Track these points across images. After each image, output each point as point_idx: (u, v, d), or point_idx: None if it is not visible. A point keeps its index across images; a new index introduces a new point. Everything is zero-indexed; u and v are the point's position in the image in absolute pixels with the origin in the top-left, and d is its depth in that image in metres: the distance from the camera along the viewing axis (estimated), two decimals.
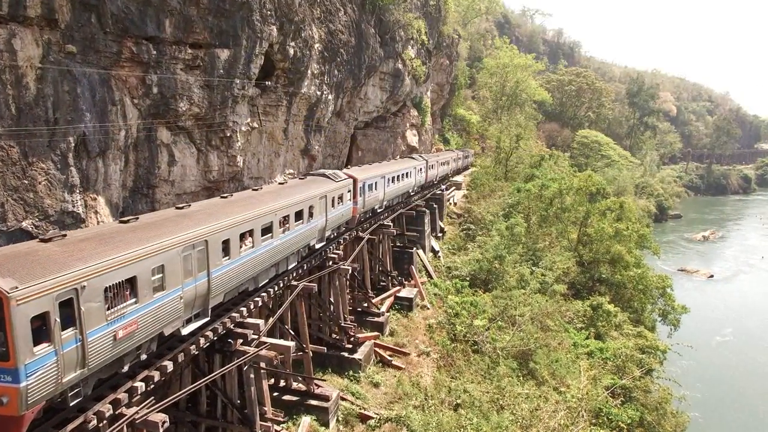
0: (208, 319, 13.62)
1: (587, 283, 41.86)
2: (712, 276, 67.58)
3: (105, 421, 10.37)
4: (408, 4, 38.83)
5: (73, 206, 12.92)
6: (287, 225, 17.66)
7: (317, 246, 21.81)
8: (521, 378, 24.31)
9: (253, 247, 15.29)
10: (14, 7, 11.12)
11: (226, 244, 13.79)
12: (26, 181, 11.68)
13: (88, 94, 13.27)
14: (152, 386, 11.89)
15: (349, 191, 24.61)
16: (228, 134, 18.95)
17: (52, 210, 12.34)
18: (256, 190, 18.28)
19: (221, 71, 17.41)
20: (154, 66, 15.10)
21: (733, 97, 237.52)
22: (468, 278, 36.60)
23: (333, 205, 22.27)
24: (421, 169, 38.75)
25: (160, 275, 11.19)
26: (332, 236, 24.10)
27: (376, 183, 28.28)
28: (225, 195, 16.50)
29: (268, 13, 19.12)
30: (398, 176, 32.80)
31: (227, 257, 13.89)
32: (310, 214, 19.69)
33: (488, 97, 79.76)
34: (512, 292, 32.26)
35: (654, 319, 42.50)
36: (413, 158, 39.48)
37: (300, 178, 22.74)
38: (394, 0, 34.45)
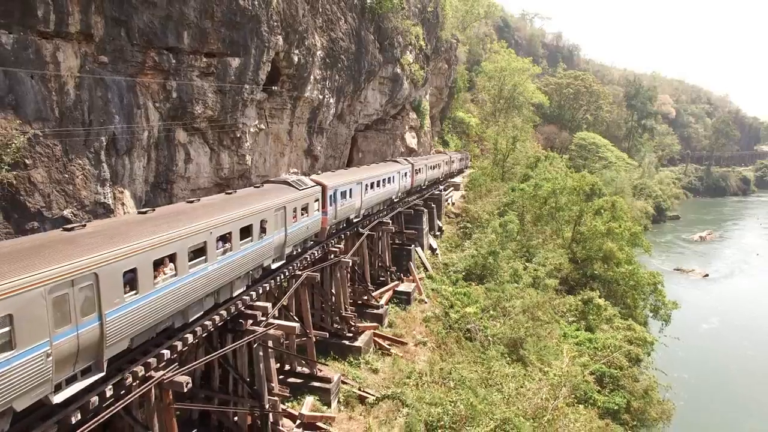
0: (103, 374, 10.62)
1: (580, 280, 43.38)
2: (707, 275, 68.78)
3: (137, 381, 12.03)
4: (406, 12, 40.59)
5: (105, 198, 14.65)
6: (228, 244, 14.69)
7: (274, 266, 18.75)
8: (510, 362, 25.89)
9: (176, 275, 12.37)
10: (59, 24, 12.89)
11: (131, 274, 10.94)
12: (67, 175, 13.40)
13: (117, 99, 15.02)
14: (175, 355, 13.52)
15: (317, 200, 21.72)
16: (238, 135, 20.68)
17: (88, 201, 14.06)
18: (192, 202, 15.11)
19: (232, 77, 19.15)
20: (173, 73, 16.84)
21: (733, 99, 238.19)
22: (463, 273, 38.22)
23: (295, 217, 19.42)
24: (406, 174, 36.57)
25: (7, 329, 8.31)
26: (296, 253, 21.22)
27: (350, 190, 25.47)
28: (144, 210, 13.40)
29: (275, 24, 20.88)
30: (378, 182, 30.24)
31: (134, 292, 11.03)
32: (263, 230, 16.67)
33: (487, 99, 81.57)
34: (505, 285, 33.85)
35: (646, 315, 43.96)
36: (397, 162, 37.23)
37: (255, 187, 19.56)
38: (393, 8, 36.18)
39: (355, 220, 28.19)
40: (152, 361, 12.49)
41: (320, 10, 26.11)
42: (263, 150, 24.04)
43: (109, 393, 11.16)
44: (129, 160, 15.80)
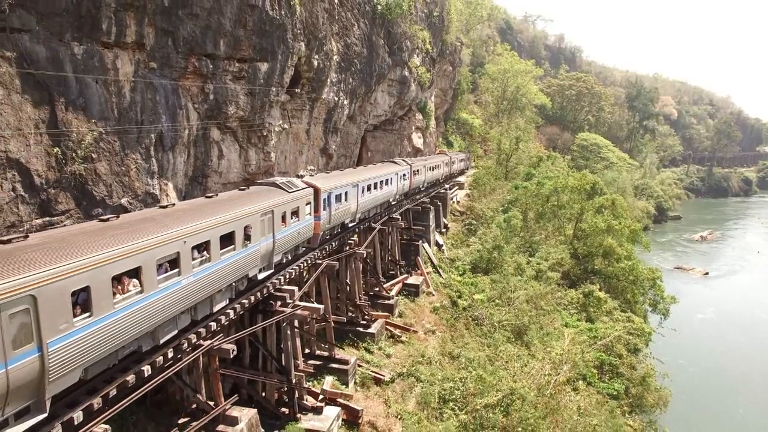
0: (46, 415, 9.08)
1: (582, 275, 44.91)
2: (707, 273, 70.04)
3: (189, 347, 13.73)
4: (414, 17, 42.37)
5: (153, 189, 16.38)
6: (206, 254, 13.32)
7: (261, 276, 17.27)
8: (515, 346, 27.56)
9: (141, 292, 10.93)
10: (118, 36, 14.69)
11: (83, 294, 9.54)
12: (123, 168, 15.15)
13: (164, 101, 16.78)
14: (219, 328, 15.22)
15: (309, 204, 20.45)
16: (264, 134, 22.45)
17: (140, 191, 15.80)
18: (165, 207, 13.67)
19: (261, 81, 20.91)
20: (210, 77, 18.60)
21: (735, 100, 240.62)
22: (470, 266, 39.91)
23: (284, 222, 18.12)
24: (404, 175, 35.20)
25: None
26: (286, 261, 19.87)
27: (346, 193, 24.25)
28: (106, 217, 11.82)
29: (298, 31, 22.65)
30: (375, 184, 29.14)
31: (87, 314, 9.57)
32: (247, 237, 15.25)
33: (490, 101, 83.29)
34: (509, 277, 35.52)
35: (645, 309, 45.41)
36: (395, 163, 36.05)
37: (240, 190, 18.09)
38: (401, 14, 37.93)
39: (350, 225, 26.92)
40: (202, 331, 14.22)
41: (336, 17, 27.87)
42: (284, 148, 25.80)
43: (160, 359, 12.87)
44: (173, 155, 17.54)
